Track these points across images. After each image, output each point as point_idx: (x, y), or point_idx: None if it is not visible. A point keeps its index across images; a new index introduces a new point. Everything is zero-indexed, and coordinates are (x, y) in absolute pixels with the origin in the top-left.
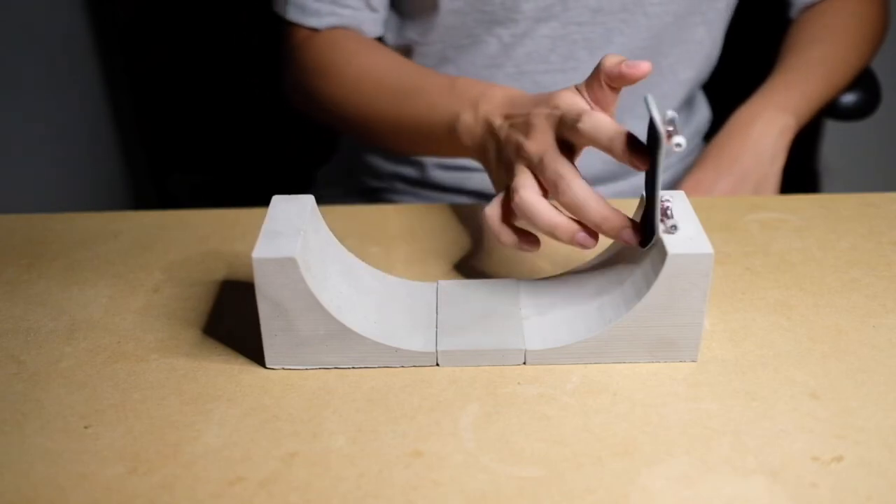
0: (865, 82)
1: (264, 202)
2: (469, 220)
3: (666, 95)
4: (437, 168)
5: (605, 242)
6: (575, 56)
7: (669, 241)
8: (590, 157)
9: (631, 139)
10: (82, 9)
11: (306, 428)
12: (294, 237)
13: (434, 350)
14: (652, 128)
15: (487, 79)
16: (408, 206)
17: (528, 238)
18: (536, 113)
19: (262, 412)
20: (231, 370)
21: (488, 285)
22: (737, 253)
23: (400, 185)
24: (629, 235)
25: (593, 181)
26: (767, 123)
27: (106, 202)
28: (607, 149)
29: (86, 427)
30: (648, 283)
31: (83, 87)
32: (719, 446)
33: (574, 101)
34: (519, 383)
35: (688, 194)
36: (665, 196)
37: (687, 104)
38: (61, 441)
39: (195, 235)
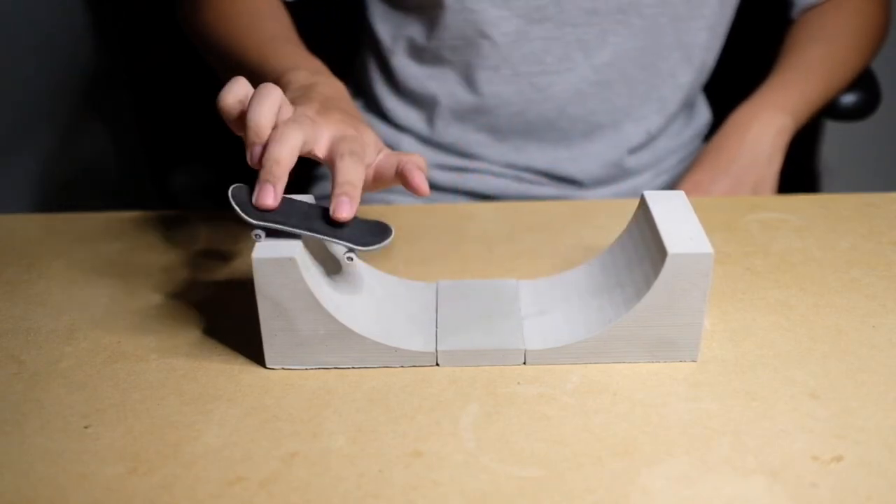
0: (865, 82)
1: None
2: (469, 220)
3: (665, 98)
4: (436, 168)
5: (603, 244)
6: (570, 57)
7: (669, 240)
8: (588, 161)
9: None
10: (82, 9)
11: (306, 428)
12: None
13: (434, 350)
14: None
15: (485, 81)
16: (408, 206)
17: (237, 121)
18: (336, 118)
19: (262, 412)
20: (231, 370)
21: (488, 285)
22: (737, 253)
23: (399, 186)
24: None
25: (593, 183)
26: (765, 124)
27: (106, 202)
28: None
29: (86, 427)
30: (648, 283)
31: (83, 87)
32: (719, 446)
33: (371, 142)
34: (519, 383)
35: (687, 195)
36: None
37: (687, 107)
38: (61, 441)
39: (195, 235)
